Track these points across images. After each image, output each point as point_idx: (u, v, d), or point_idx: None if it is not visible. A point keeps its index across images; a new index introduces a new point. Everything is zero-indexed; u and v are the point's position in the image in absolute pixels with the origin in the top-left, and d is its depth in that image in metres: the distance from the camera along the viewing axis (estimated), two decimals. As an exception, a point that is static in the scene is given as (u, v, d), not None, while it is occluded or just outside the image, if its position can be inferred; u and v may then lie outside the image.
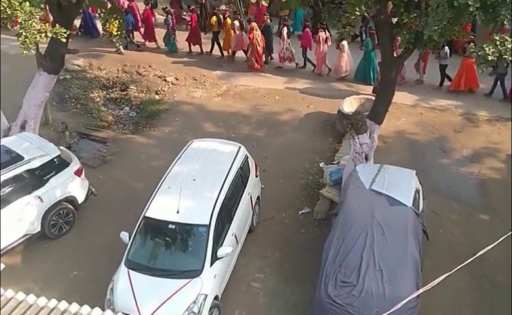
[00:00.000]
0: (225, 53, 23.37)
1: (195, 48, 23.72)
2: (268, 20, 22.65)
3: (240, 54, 22.87)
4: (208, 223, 11.31)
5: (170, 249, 11.59)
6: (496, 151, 16.95)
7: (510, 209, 13.95)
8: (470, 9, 9.80)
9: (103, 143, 17.61)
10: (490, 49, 10.11)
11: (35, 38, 11.82)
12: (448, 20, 10.48)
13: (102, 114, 19.40)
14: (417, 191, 12.51)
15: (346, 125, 15.41)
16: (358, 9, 11.60)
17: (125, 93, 20.81)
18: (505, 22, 10.11)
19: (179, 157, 13.15)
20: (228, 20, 22.97)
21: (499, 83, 19.57)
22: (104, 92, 20.87)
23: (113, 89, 21.04)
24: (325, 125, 18.44)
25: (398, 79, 19.91)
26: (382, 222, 11.17)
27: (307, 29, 21.89)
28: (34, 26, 11.77)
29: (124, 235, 11.56)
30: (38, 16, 12.16)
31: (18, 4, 11.56)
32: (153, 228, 11.68)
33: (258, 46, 21.70)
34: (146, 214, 11.66)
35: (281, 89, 20.70)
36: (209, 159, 13.08)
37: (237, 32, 22.25)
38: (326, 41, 21.32)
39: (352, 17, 11.71)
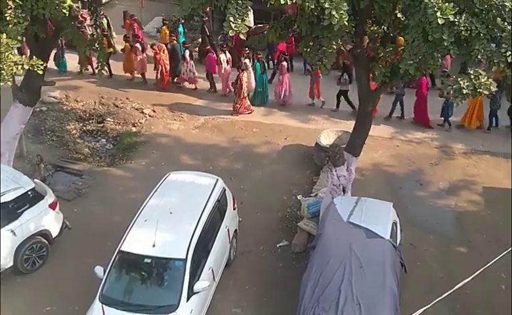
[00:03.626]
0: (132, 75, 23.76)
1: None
2: (175, 42, 23.45)
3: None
4: (184, 257, 11.17)
5: (146, 284, 11.38)
6: (472, 183, 17.09)
7: (487, 241, 14.24)
8: (445, 44, 9.98)
9: (79, 176, 17.36)
10: (464, 83, 10.26)
11: (12, 70, 11.73)
12: (423, 54, 10.64)
13: (77, 146, 19.17)
14: (394, 223, 12.55)
15: (324, 158, 15.44)
16: (334, 43, 11.74)
17: (101, 125, 20.61)
18: (479, 56, 10.29)
19: (156, 190, 13.03)
20: (127, 44, 23.40)
21: (398, 103, 20.41)
22: (81, 124, 20.63)
23: (90, 121, 20.82)
24: (303, 157, 18.46)
25: (282, 101, 21.42)
26: (360, 255, 11.13)
27: (210, 53, 22.52)
28: (11, 58, 11.69)
29: (99, 270, 11.33)
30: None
31: (-6, 36, 11.49)
32: (129, 262, 11.49)
33: (164, 68, 22.44)
34: (122, 248, 11.48)
35: (259, 122, 20.76)
36: (186, 192, 12.99)
37: (139, 55, 22.96)
38: (227, 63, 22.26)
39: (329, 50, 11.84)
